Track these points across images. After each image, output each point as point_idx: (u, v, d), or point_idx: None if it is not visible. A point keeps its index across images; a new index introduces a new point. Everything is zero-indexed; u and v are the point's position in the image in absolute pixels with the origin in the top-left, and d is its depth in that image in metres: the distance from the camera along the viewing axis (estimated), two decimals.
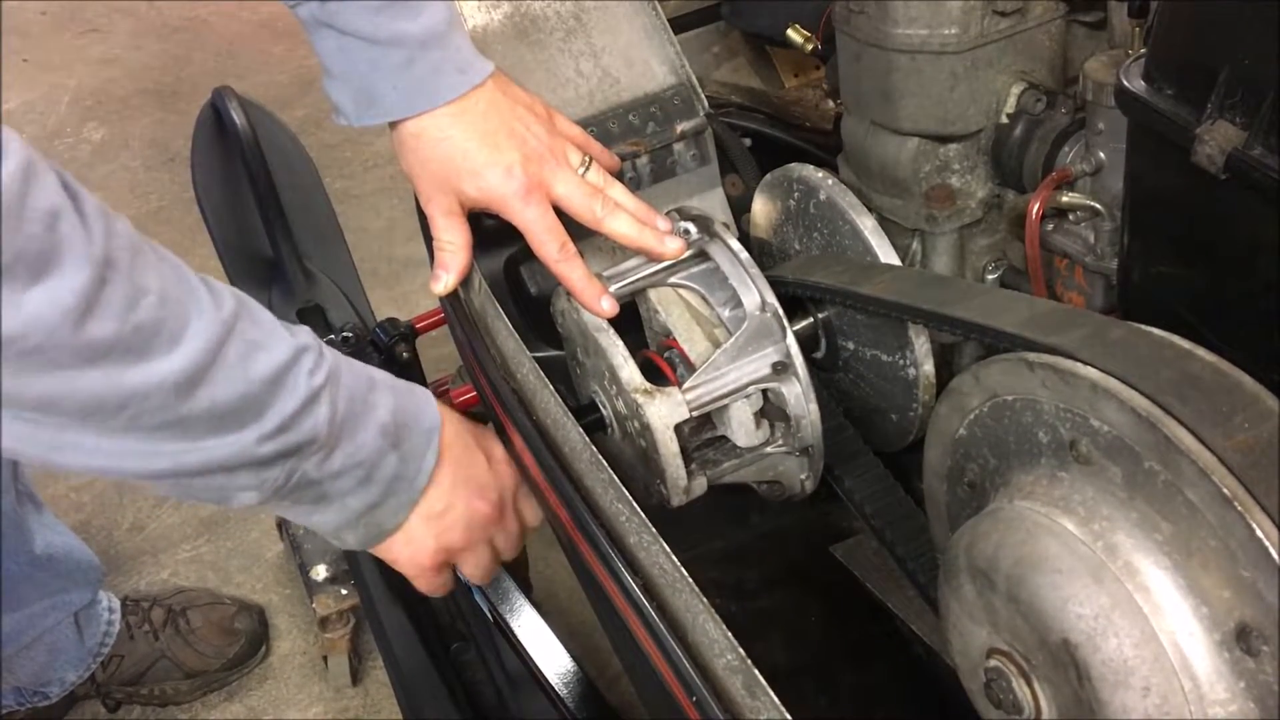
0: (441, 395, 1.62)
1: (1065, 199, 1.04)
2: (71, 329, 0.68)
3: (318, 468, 0.86)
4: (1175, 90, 0.80)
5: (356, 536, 0.95)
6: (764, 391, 1.00)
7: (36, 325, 0.67)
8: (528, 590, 1.48)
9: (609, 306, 1.02)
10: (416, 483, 0.95)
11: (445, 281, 1.07)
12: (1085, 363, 0.71)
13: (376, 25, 0.98)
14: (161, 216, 2.84)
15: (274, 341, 0.82)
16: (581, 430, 0.97)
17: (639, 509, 0.89)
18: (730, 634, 0.78)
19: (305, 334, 0.86)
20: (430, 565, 1.00)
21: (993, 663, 0.77)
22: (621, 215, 1.05)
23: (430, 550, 0.99)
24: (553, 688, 1.29)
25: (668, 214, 1.07)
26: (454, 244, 1.07)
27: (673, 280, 1.06)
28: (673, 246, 1.04)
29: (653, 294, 1.06)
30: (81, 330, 0.69)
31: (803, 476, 1.04)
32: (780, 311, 0.99)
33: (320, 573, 1.66)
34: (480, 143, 1.02)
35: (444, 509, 0.97)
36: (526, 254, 1.13)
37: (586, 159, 1.07)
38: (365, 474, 0.90)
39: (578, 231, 1.06)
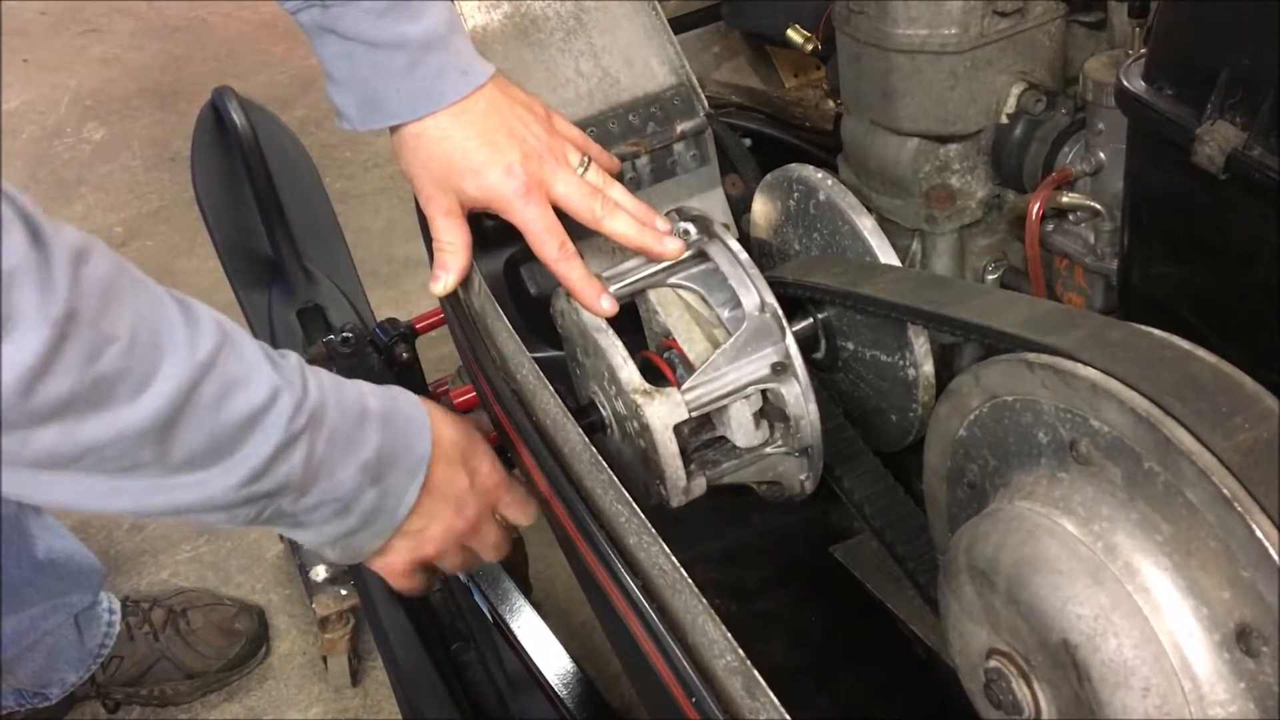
0: (441, 395, 1.62)
1: (1065, 199, 1.04)
2: (24, 392, 0.67)
3: (292, 504, 0.85)
4: (1175, 90, 0.80)
5: (335, 555, 0.95)
6: (763, 392, 1.00)
7: None
8: (528, 590, 1.48)
9: (608, 306, 1.02)
10: (396, 514, 0.94)
11: (445, 282, 1.07)
12: (1085, 363, 0.71)
13: (379, 29, 0.98)
14: (161, 216, 2.84)
15: (254, 379, 0.79)
16: (581, 431, 0.97)
17: (639, 509, 0.89)
18: (730, 634, 0.78)
19: (291, 369, 0.83)
20: (403, 573, 1.01)
21: (993, 663, 0.77)
22: (621, 215, 1.04)
23: (404, 561, 0.99)
24: (553, 688, 1.29)
25: (668, 214, 1.07)
26: (454, 244, 1.06)
27: (672, 281, 1.05)
28: (672, 247, 1.04)
29: (652, 294, 1.06)
30: (35, 392, 0.67)
31: (802, 477, 1.04)
32: (779, 312, 0.99)
33: (320, 573, 1.66)
34: (480, 142, 1.02)
35: (421, 528, 0.97)
36: (526, 254, 1.13)
37: (586, 159, 1.07)
38: (342, 507, 0.89)
39: (577, 231, 1.06)
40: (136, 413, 0.72)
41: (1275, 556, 0.61)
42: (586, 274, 1.02)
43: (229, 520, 0.83)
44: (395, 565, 0.99)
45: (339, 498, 0.87)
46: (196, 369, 0.75)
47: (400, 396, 0.95)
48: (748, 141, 1.37)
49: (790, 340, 0.98)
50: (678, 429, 0.97)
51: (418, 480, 0.93)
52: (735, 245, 1.02)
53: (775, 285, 1.01)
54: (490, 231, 1.15)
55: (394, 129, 1.04)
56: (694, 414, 0.97)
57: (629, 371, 0.98)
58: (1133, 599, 0.67)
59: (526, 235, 1.04)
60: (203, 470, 0.77)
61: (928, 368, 1.02)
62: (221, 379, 0.77)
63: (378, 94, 1.01)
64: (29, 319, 0.66)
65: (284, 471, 0.81)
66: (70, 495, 0.75)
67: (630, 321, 1.07)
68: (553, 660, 1.31)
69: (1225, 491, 0.62)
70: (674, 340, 1.04)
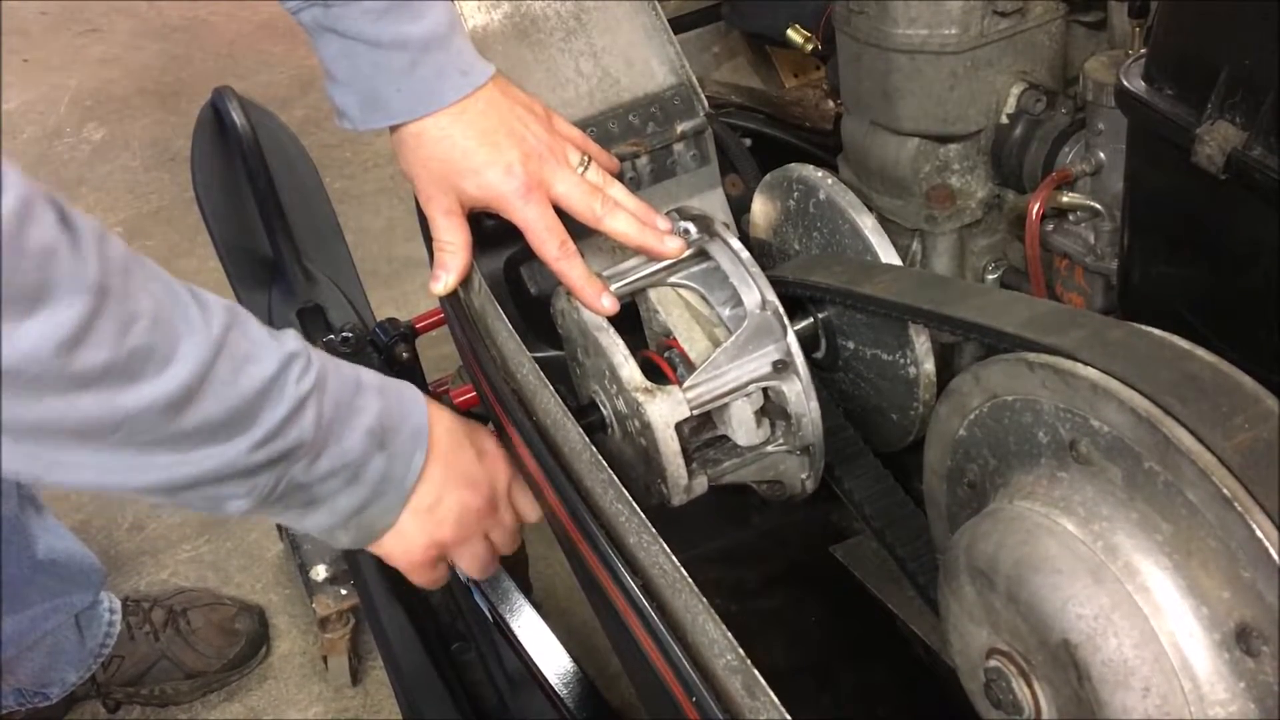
0: (441, 395, 1.62)
1: (1065, 199, 1.04)
2: (65, 359, 0.70)
3: (305, 471, 0.87)
4: (1175, 90, 0.80)
5: (349, 536, 0.96)
6: (764, 390, 1.00)
7: (31, 358, 0.69)
8: (528, 590, 1.48)
9: (609, 304, 1.02)
10: (405, 482, 0.95)
11: (445, 282, 1.07)
12: (1085, 363, 0.71)
13: (379, 29, 0.98)
14: (161, 216, 2.84)
15: (263, 352, 0.83)
16: (581, 430, 0.97)
17: (639, 509, 0.89)
18: (730, 634, 0.78)
19: (293, 339, 0.87)
20: (422, 560, 1.01)
21: (993, 663, 0.77)
22: (621, 214, 1.05)
23: (421, 545, 0.99)
24: (553, 688, 1.29)
25: (668, 214, 1.07)
26: (453, 244, 1.07)
27: (673, 280, 1.06)
28: (672, 246, 1.04)
29: (653, 294, 1.06)
30: (75, 359, 0.70)
31: (803, 476, 1.04)
32: (780, 310, 0.99)
33: (320, 573, 1.66)
34: (480, 141, 1.02)
35: (433, 503, 0.97)
36: (526, 254, 1.13)
37: (586, 158, 1.07)
38: (353, 475, 0.90)
39: (577, 231, 1.06)
40: (164, 385, 0.75)
41: (1275, 556, 0.61)
42: (587, 273, 1.03)
43: (248, 495, 0.85)
44: (414, 552, 0.99)
45: (348, 464, 0.89)
46: (212, 345, 0.78)
47: (390, 377, 0.98)
48: (748, 141, 1.37)
49: (792, 338, 0.98)
50: (679, 427, 0.97)
51: (422, 445, 0.95)
52: (736, 244, 1.02)
53: (776, 284, 1.01)
54: (490, 231, 1.15)
55: (394, 129, 1.04)
56: (695, 412, 0.97)
57: (630, 370, 0.98)
58: (1133, 599, 0.67)
59: (527, 234, 1.04)
60: (226, 442, 0.81)
61: (928, 366, 1.02)
62: (234, 355, 0.80)
63: (379, 93, 1.02)
64: (66, 290, 0.69)
65: (296, 433, 0.84)
66: (101, 473, 0.78)
67: (630, 321, 1.07)
68: (553, 660, 1.31)
69: (1225, 491, 0.62)
70: (674, 339, 1.04)
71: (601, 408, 1.05)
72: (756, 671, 0.76)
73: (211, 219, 1.82)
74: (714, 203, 1.28)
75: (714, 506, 1.06)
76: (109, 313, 0.72)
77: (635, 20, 1.26)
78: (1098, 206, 1.02)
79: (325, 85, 1.05)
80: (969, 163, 1.13)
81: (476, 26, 1.21)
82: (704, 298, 1.05)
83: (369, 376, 0.94)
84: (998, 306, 0.86)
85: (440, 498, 0.98)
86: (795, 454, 1.02)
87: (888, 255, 1.05)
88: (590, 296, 1.02)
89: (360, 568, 1.50)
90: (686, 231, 1.05)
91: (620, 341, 1.00)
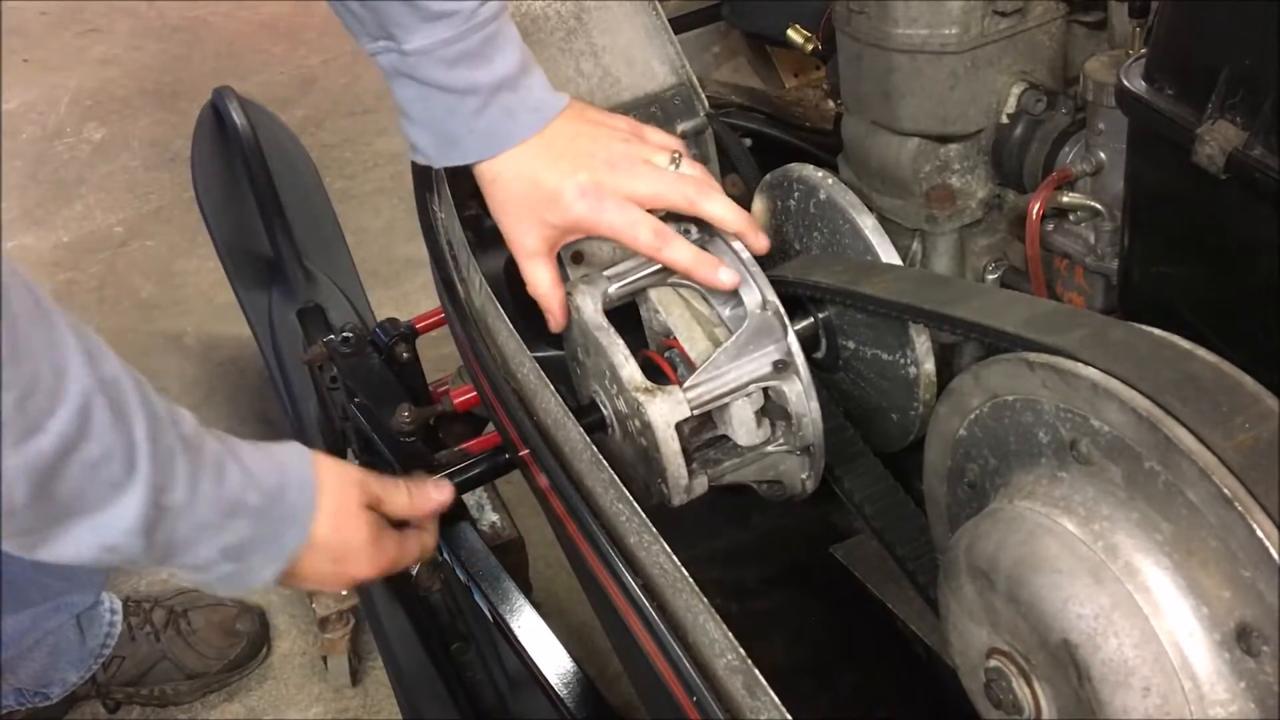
0: (441, 395, 1.62)
1: (1065, 199, 1.04)
2: None
3: (146, 562, 0.86)
4: (1175, 90, 0.80)
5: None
6: (765, 390, 1.00)
7: None
8: (528, 590, 1.48)
9: (728, 278, 1.01)
10: (250, 582, 0.94)
11: (554, 323, 1.07)
12: (1086, 363, 0.71)
13: (452, 76, 1.01)
14: (161, 216, 2.84)
15: (113, 456, 0.78)
16: (582, 430, 0.97)
17: (639, 509, 0.89)
18: (730, 634, 0.78)
19: (165, 455, 0.82)
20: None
21: (993, 663, 0.77)
22: (719, 198, 1.04)
23: (281, 585, 0.99)
24: (553, 688, 1.29)
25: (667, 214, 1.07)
26: (542, 285, 1.06)
27: (673, 280, 1.06)
28: (763, 243, 1.04)
29: (653, 294, 1.06)
30: None
31: (803, 476, 1.04)
32: (781, 309, 0.99)
33: None
34: (549, 169, 1.03)
35: (295, 571, 0.96)
36: None
37: (677, 155, 1.07)
38: (196, 569, 0.90)
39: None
40: (19, 457, 0.72)
41: (1275, 556, 0.61)
42: (695, 252, 1.02)
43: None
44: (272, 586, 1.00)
45: (194, 565, 0.89)
46: (79, 417, 0.75)
47: (289, 489, 0.93)
48: (748, 141, 1.37)
49: (792, 338, 0.98)
50: (679, 427, 0.97)
51: (280, 560, 0.94)
52: (737, 244, 1.02)
53: (776, 284, 1.01)
54: (490, 231, 1.15)
55: (476, 171, 1.06)
56: (696, 412, 0.97)
57: (630, 370, 0.99)
58: (1133, 598, 0.67)
59: (618, 241, 1.04)
60: (58, 526, 0.78)
61: (929, 366, 1.02)
62: (97, 445, 0.76)
63: (452, 134, 1.04)
64: None
65: (138, 550, 0.82)
66: None
67: (630, 321, 1.07)
68: (553, 660, 1.30)
69: (1225, 491, 0.62)
70: (675, 339, 1.04)
71: (602, 408, 1.05)
72: (757, 671, 0.76)
73: (211, 219, 1.82)
74: None
75: (714, 507, 1.06)
76: None
77: (636, 20, 1.27)
78: (1098, 206, 1.02)
79: (401, 123, 1.07)
80: (969, 163, 1.13)
81: None
82: (704, 298, 1.05)
83: (257, 498, 0.89)
84: (998, 306, 0.86)
85: (302, 573, 0.97)
86: (795, 454, 1.02)
87: (888, 255, 1.05)
88: (708, 274, 1.01)
89: None
90: (687, 231, 1.05)
91: (620, 341, 1.00)
